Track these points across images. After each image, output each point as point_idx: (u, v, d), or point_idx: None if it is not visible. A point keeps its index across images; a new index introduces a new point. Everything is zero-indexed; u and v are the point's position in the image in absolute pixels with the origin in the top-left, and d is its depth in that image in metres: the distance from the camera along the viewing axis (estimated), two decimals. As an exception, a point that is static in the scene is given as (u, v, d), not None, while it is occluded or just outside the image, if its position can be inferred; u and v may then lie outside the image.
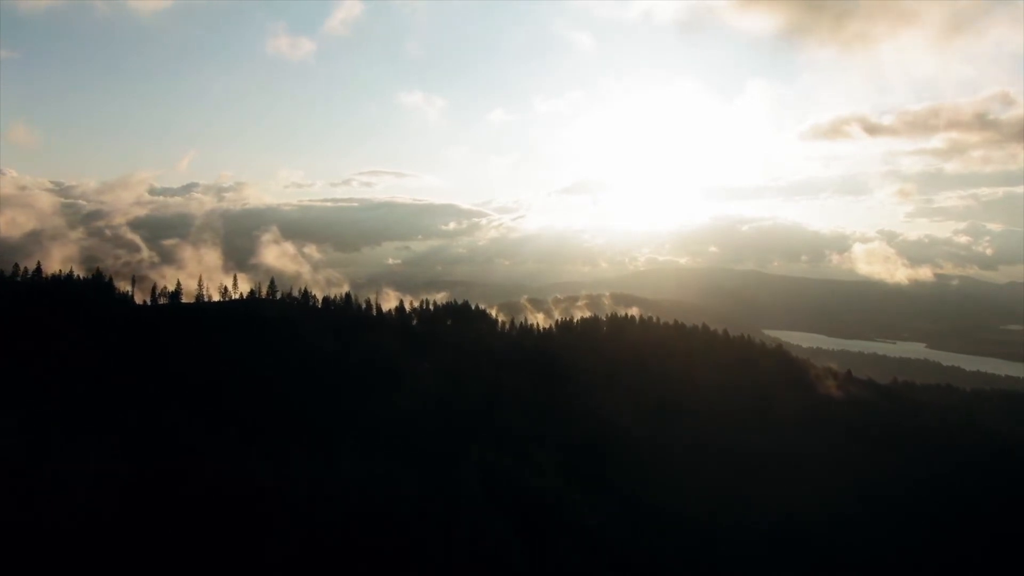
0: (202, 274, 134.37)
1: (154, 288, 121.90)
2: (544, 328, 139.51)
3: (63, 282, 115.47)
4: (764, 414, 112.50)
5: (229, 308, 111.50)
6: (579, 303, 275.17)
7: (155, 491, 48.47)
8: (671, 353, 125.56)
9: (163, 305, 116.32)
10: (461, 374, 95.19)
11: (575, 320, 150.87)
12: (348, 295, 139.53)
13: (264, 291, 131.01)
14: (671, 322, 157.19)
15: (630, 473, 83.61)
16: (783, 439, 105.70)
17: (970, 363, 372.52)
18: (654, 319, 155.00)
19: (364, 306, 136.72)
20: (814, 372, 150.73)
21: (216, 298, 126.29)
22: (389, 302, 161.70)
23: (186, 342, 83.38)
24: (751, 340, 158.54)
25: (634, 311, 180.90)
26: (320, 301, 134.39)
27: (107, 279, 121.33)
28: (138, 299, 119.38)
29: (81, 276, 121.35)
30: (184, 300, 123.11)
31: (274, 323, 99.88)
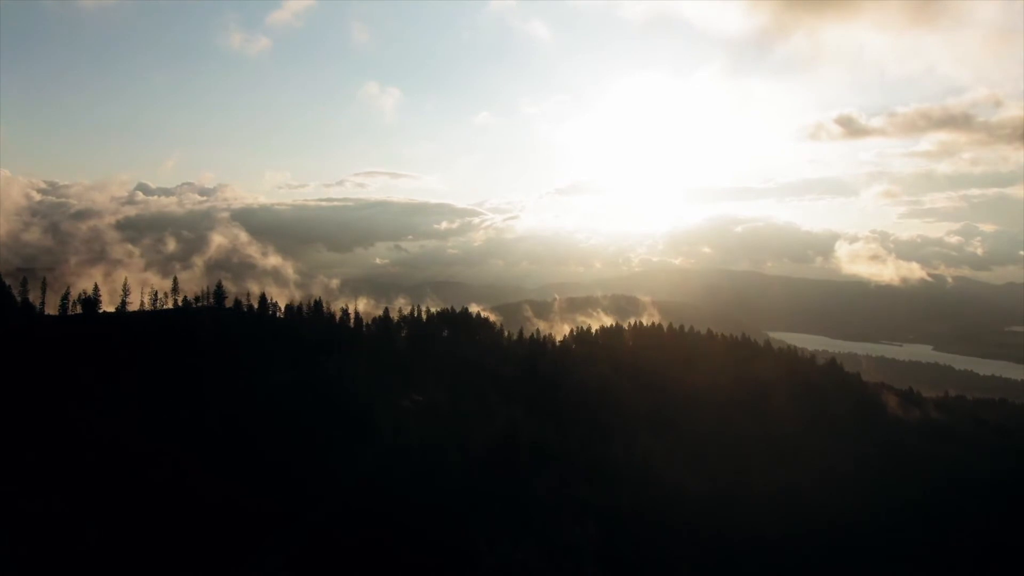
0: (128, 278, 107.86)
1: (66, 294, 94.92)
2: (559, 341, 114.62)
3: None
4: (859, 464, 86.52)
5: (151, 320, 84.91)
6: (583, 307, 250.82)
7: None
8: (724, 376, 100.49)
9: (71, 316, 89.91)
10: (462, 413, 69.91)
11: (593, 330, 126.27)
12: (319, 302, 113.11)
13: (211, 297, 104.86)
14: (703, 331, 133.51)
15: (698, 556, 59.23)
16: (874, 483, 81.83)
17: (981, 367, 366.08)
18: (685, 328, 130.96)
19: (340, 315, 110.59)
20: (874, 388, 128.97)
21: (148, 306, 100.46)
22: (379, 307, 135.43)
23: (72, 373, 57.11)
24: (796, 353, 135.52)
25: (656, 317, 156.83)
26: (282, 310, 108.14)
27: (6, 285, 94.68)
28: (50, 308, 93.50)
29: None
30: (109, 309, 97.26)
31: (211, 344, 73.49)
